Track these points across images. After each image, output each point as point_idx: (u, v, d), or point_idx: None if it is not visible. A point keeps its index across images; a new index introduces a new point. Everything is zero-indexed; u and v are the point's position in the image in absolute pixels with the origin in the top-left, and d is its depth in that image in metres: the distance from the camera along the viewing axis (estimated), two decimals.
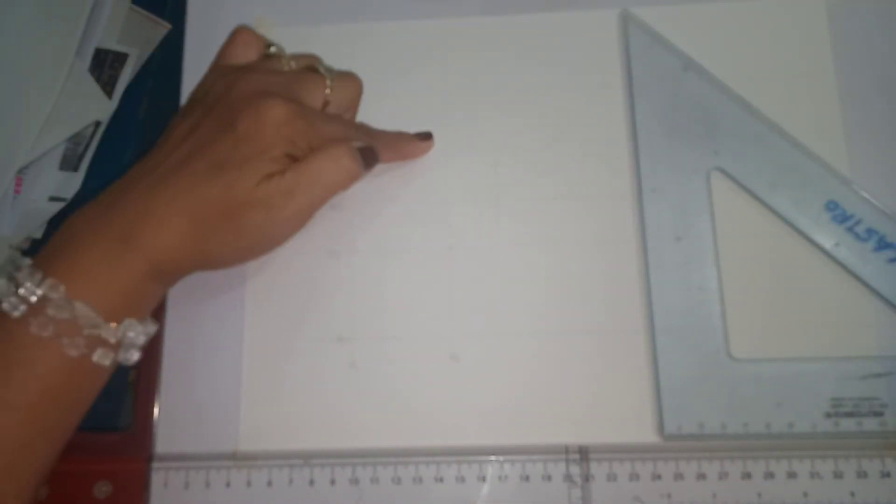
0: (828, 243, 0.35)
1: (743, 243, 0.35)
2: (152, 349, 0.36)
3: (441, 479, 0.33)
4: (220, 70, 0.34)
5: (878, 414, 0.33)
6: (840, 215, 0.35)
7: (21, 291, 0.27)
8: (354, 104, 0.36)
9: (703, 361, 0.34)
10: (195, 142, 0.31)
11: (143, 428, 0.35)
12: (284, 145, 0.30)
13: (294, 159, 0.31)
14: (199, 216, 0.29)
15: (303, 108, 0.31)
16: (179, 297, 0.36)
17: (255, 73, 0.32)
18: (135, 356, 0.30)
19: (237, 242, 0.31)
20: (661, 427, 0.33)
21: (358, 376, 0.35)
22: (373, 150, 0.33)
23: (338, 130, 0.33)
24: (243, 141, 0.30)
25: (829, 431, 0.33)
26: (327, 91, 0.33)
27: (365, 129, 0.35)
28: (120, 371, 0.36)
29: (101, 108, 0.39)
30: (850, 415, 0.33)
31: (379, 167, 0.36)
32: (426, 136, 0.37)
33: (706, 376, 0.34)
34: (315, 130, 0.31)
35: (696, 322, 0.34)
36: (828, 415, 0.33)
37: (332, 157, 0.31)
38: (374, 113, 0.38)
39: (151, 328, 0.30)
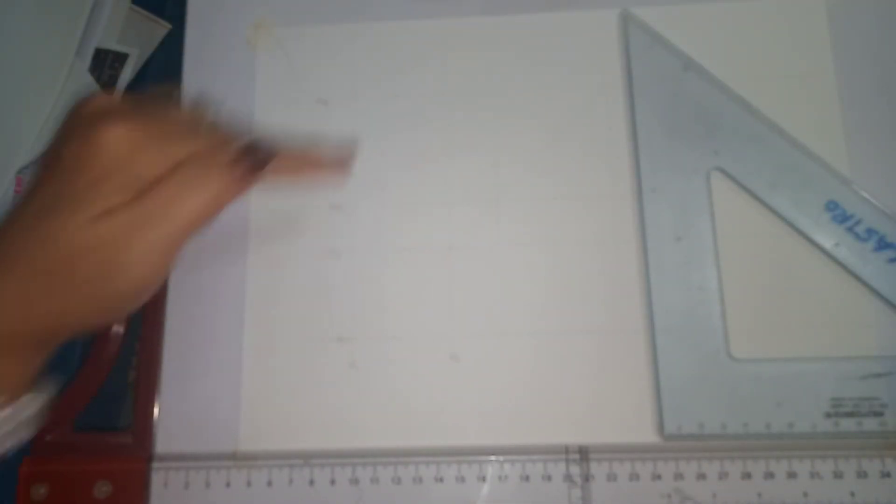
0: (828, 243, 0.35)
1: (743, 243, 0.35)
2: (152, 349, 0.36)
3: (441, 479, 0.33)
4: None
5: (878, 414, 0.33)
6: (840, 215, 0.35)
7: None
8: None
9: (703, 361, 0.34)
10: (27, 186, 0.26)
11: (143, 428, 0.35)
12: (125, 174, 0.25)
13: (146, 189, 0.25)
14: (26, 274, 0.24)
15: (148, 127, 0.26)
16: (179, 297, 0.36)
17: (101, 98, 0.27)
18: (18, 437, 0.26)
19: (87, 298, 0.25)
20: (661, 427, 0.33)
21: (358, 376, 0.35)
22: (254, 147, 0.27)
23: (203, 144, 0.26)
24: (71, 174, 0.25)
25: (829, 431, 0.33)
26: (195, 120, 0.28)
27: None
28: (120, 371, 0.36)
29: None
30: (850, 415, 0.33)
31: (376, 167, 0.37)
32: (341, 155, 0.32)
33: (706, 376, 0.34)
34: (171, 149, 0.26)
35: (696, 322, 0.34)
36: (828, 415, 0.33)
37: (188, 177, 0.25)
38: (375, 113, 0.38)
39: (30, 404, 0.26)
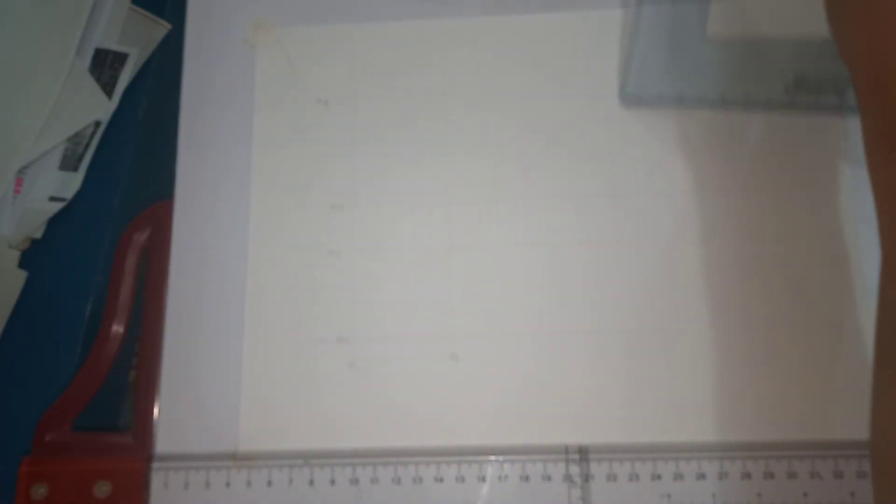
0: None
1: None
2: (152, 349, 0.36)
3: (441, 479, 0.33)
4: None
5: (840, 92, 0.34)
6: None
7: None
8: None
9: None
10: None
11: (143, 428, 0.35)
12: None
13: None
14: None
15: None
16: (179, 296, 0.36)
17: None
18: None
19: None
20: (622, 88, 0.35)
21: (358, 376, 0.35)
22: None
23: None
24: None
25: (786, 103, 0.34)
26: None
27: None
28: (120, 371, 0.36)
29: (101, 108, 0.39)
30: (813, 91, 0.34)
31: (376, 167, 0.37)
32: None
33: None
34: None
35: None
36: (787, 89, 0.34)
37: None
38: (375, 113, 0.38)
39: None
